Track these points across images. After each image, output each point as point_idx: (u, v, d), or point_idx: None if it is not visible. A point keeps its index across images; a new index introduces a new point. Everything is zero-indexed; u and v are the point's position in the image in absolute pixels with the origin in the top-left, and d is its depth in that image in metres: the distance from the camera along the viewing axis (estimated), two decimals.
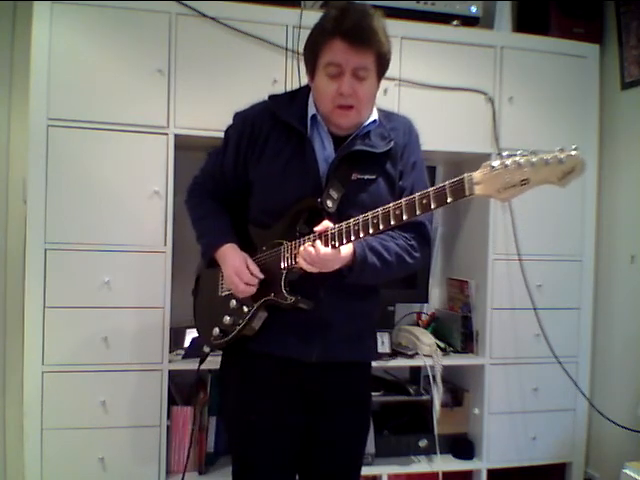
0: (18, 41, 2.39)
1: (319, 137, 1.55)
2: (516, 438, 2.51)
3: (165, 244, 2.16)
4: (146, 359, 2.15)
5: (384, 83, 2.33)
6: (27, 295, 2.06)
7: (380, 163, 1.54)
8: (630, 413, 2.41)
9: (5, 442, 2.46)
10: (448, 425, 2.52)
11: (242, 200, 1.64)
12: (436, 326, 2.69)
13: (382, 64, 1.50)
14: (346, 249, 1.44)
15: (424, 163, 1.63)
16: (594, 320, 2.61)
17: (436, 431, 2.41)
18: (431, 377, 2.37)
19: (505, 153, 1.22)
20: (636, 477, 2.00)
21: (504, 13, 2.56)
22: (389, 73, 2.33)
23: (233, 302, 1.59)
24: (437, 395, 2.38)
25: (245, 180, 1.59)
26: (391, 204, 1.37)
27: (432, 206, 1.30)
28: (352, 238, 1.40)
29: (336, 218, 1.47)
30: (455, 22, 2.43)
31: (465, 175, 1.26)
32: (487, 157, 2.46)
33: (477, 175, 1.24)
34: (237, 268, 1.52)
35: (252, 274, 1.53)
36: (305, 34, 1.54)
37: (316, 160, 1.51)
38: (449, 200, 1.28)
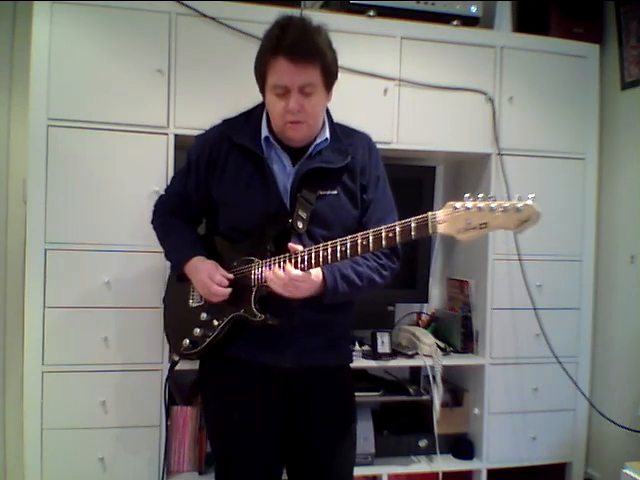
0: (18, 41, 2.39)
1: (277, 156, 1.58)
2: (516, 438, 2.51)
3: None
4: (146, 359, 2.15)
5: (384, 83, 2.35)
6: (27, 295, 2.06)
7: (339, 177, 1.58)
8: (630, 413, 2.41)
9: (5, 442, 2.46)
10: (448, 425, 2.51)
11: (208, 216, 1.69)
12: (436, 326, 2.69)
13: (328, 76, 1.52)
14: (315, 272, 1.47)
15: (386, 176, 1.69)
16: (594, 320, 2.61)
17: (436, 431, 2.41)
18: (431, 377, 2.37)
19: (466, 195, 1.29)
20: (636, 477, 1.99)
21: (504, 13, 2.56)
22: (389, 73, 2.36)
23: (204, 315, 1.62)
24: (437, 395, 2.38)
25: (209, 199, 1.63)
26: (359, 234, 1.41)
27: (397, 240, 1.36)
28: (321, 263, 1.44)
29: (305, 236, 1.53)
30: (455, 22, 2.43)
31: (429, 213, 1.32)
32: (487, 157, 2.47)
33: (440, 214, 1.30)
34: (209, 271, 1.56)
35: (222, 275, 1.56)
36: None
37: (275, 180, 1.55)
38: (413, 236, 1.34)
